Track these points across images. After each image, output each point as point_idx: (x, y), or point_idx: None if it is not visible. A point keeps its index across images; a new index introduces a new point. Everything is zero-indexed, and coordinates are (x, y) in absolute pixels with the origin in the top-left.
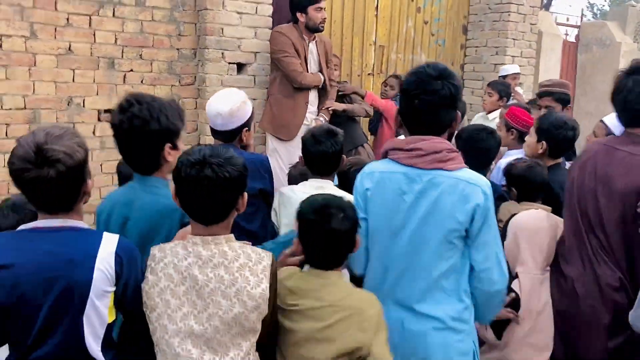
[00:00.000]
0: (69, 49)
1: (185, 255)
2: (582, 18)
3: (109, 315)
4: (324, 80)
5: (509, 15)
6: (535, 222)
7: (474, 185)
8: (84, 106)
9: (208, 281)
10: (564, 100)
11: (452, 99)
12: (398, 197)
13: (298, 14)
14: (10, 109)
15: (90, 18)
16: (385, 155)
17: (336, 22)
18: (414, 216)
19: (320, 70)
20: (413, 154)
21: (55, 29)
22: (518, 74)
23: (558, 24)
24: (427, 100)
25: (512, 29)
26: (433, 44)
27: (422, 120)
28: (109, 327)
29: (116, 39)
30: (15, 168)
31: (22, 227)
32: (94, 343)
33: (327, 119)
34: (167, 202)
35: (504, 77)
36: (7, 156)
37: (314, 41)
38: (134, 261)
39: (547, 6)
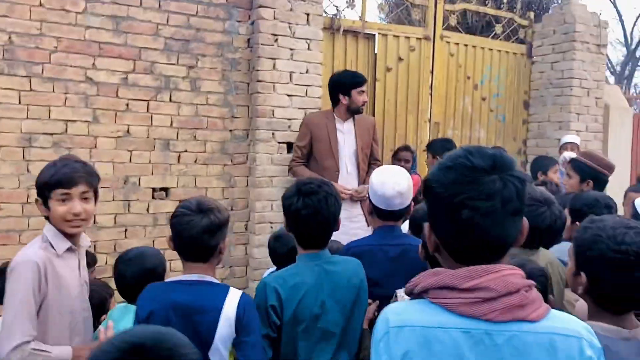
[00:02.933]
0: (127, 131)
1: None
2: None
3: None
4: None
5: (571, 89)
6: None
7: (575, 338)
8: (139, 185)
9: None
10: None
11: (520, 200)
12: None
13: (341, 96)
14: None
15: (148, 103)
16: (414, 293)
17: (390, 100)
18: None
19: (357, 149)
20: (475, 297)
21: (116, 114)
22: (575, 144)
23: (633, 97)
24: (484, 209)
25: (576, 103)
26: (492, 119)
27: (476, 241)
28: None
29: (172, 121)
30: (176, 214)
31: (168, 279)
32: None
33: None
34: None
35: (561, 147)
36: None
37: (351, 121)
38: (254, 313)
39: (629, 78)
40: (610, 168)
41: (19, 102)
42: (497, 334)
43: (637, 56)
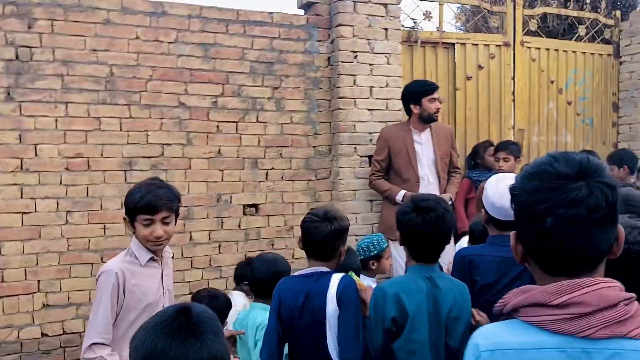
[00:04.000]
0: (219, 152)
1: None
2: None
3: None
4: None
5: None
6: None
7: None
8: (231, 202)
9: None
10: None
11: (611, 208)
12: None
13: (412, 106)
14: None
15: (237, 124)
16: (504, 313)
17: (471, 108)
18: None
19: (435, 158)
20: (569, 313)
21: (207, 136)
22: None
23: None
24: (568, 217)
25: None
26: (579, 123)
27: (562, 252)
28: None
29: (259, 141)
30: (306, 220)
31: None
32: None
33: (452, 199)
34: None
35: None
36: None
37: (428, 131)
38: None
39: None
40: None
41: (120, 129)
42: (595, 353)
43: None
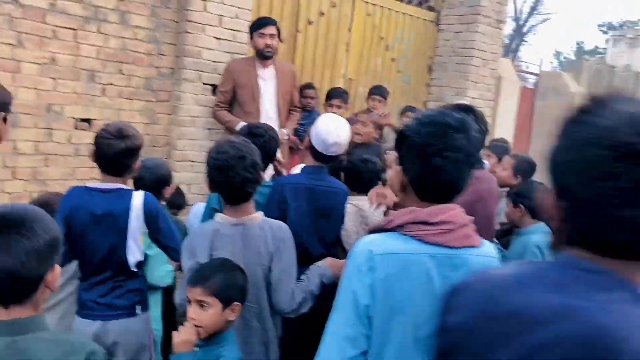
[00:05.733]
0: (53, 59)
1: None
2: (540, 67)
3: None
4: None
5: (471, 59)
6: None
7: (495, 260)
8: (62, 114)
9: None
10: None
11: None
12: (425, 285)
13: (250, 41)
14: None
15: (75, 32)
16: (388, 228)
17: (309, 53)
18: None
19: (277, 94)
20: (441, 228)
21: (41, 40)
22: None
23: (521, 71)
24: (452, 159)
25: (474, 72)
26: (399, 80)
27: (443, 183)
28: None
29: (98, 52)
30: (99, 136)
31: (88, 184)
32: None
33: (288, 134)
34: None
35: None
36: None
37: (272, 67)
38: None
39: (515, 51)
40: None
41: None
42: (455, 257)
43: (524, 32)
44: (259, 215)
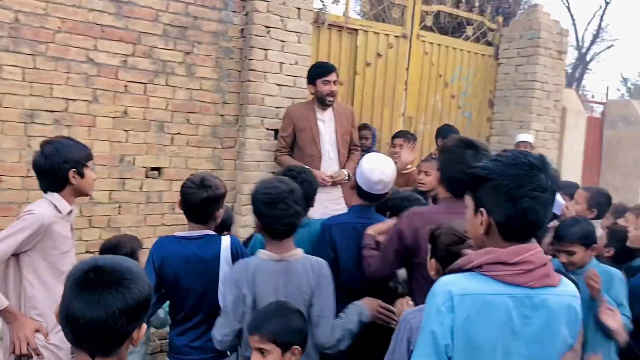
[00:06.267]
0: (125, 112)
1: None
2: (607, 96)
3: None
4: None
5: (533, 92)
6: None
7: (577, 299)
8: (134, 164)
9: None
10: None
11: (555, 194)
12: (506, 326)
13: (309, 86)
14: None
15: (145, 86)
16: (466, 268)
17: (367, 93)
18: (523, 348)
19: (337, 136)
20: (520, 269)
21: (114, 95)
22: (528, 143)
23: (586, 100)
24: (541, 199)
25: (537, 104)
26: (460, 116)
27: (531, 223)
28: None
29: (167, 104)
30: (184, 185)
31: (177, 233)
32: None
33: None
34: None
35: (516, 145)
36: None
37: (331, 110)
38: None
39: (579, 81)
40: None
41: (23, 79)
42: (534, 297)
43: (587, 60)
44: (300, 251)
